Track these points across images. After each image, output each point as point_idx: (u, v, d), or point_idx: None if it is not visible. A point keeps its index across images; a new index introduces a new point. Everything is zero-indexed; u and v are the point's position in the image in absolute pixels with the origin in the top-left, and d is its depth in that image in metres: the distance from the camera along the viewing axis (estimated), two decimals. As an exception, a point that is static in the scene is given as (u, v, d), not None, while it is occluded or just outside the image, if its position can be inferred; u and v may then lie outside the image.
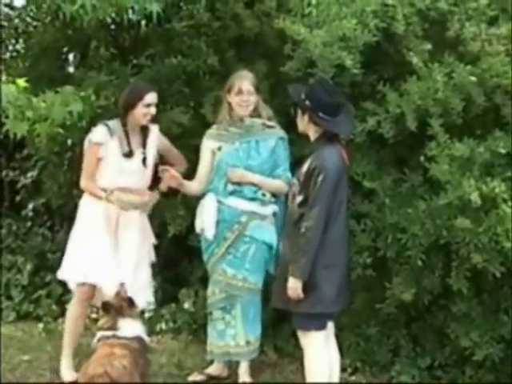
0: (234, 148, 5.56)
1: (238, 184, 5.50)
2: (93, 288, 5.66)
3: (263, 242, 5.51)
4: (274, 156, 5.56)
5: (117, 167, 5.56)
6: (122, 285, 5.02)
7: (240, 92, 5.52)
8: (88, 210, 5.67)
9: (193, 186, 5.67)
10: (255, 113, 5.59)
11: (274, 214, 5.60)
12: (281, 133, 5.61)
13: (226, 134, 5.60)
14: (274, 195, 5.58)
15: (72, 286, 5.77)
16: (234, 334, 5.55)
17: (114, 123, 5.59)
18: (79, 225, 5.72)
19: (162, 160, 5.80)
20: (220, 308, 5.60)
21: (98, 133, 5.56)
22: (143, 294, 5.58)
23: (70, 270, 5.69)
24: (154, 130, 5.72)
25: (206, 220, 5.54)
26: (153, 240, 5.90)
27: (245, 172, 5.51)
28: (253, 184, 5.50)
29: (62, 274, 5.79)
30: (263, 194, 5.52)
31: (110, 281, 5.30)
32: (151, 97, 5.55)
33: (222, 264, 5.55)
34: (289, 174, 5.50)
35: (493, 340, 5.56)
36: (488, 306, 5.70)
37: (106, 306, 4.90)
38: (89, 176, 5.63)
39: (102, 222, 5.58)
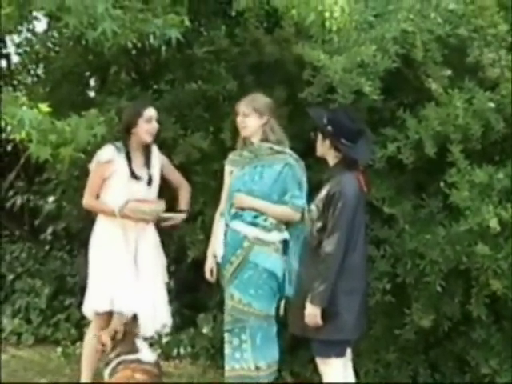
0: (242, 173, 5.50)
1: (242, 208, 5.44)
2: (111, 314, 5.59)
3: (265, 268, 5.38)
4: (280, 182, 5.42)
5: (126, 186, 5.55)
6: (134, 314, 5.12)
7: (237, 113, 5.50)
8: (106, 234, 5.63)
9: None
10: (264, 136, 5.49)
11: (285, 242, 5.46)
12: (289, 158, 5.45)
13: (239, 158, 5.55)
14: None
15: (92, 314, 5.70)
16: (246, 358, 5.38)
17: (120, 144, 5.60)
18: (99, 252, 5.64)
19: (164, 182, 5.79)
20: (227, 331, 5.48)
21: (107, 151, 5.55)
22: (160, 316, 5.58)
23: (96, 300, 5.57)
24: (155, 149, 5.72)
25: (214, 241, 5.53)
26: (164, 260, 5.84)
27: (245, 196, 5.41)
28: (254, 209, 5.42)
29: (87, 307, 5.68)
30: (265, 220, 5.39)
31: (129, 306, 5.33)
32: (150, 111, 5.57)
33: (230, 287, 5.46)
34: (297, 201, 5.38)
35: (513, 367, 5.54)
36: (508, 333, 5.68)
37: (122, 334, 4.96)
38: (92, 194, 5.62)
39: (121, 246, 5.55)
